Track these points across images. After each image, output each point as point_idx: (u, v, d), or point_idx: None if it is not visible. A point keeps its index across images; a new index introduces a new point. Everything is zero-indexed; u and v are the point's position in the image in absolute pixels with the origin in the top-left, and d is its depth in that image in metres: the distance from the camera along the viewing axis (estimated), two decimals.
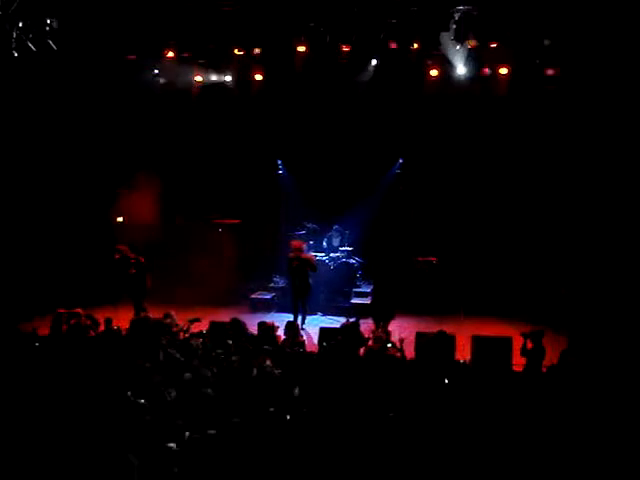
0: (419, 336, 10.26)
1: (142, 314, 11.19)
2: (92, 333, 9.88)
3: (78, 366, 7.86)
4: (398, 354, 8.73)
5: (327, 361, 8.33)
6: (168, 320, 9.95)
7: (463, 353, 10.09)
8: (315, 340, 10.80)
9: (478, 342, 10.24)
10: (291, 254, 12.99)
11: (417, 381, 7.62)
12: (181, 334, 9.54)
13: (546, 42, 11.74)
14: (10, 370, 7.67)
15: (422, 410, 6.66)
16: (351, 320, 10.07)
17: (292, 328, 9.85)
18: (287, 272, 13.43)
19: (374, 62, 13.59)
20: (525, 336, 9.18)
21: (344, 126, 15.49)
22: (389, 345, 8.95)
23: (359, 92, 14.40)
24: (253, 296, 14.52)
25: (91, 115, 14.82)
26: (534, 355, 9.03)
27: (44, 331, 10.02)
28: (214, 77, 14.75)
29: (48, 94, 14.04)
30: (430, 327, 11.97)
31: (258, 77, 14.26)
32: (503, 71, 12.91)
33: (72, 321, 9.89)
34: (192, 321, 9.80)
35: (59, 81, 13.85)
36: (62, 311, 10.56)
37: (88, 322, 10.01)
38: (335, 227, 15.26)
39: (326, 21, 12.11)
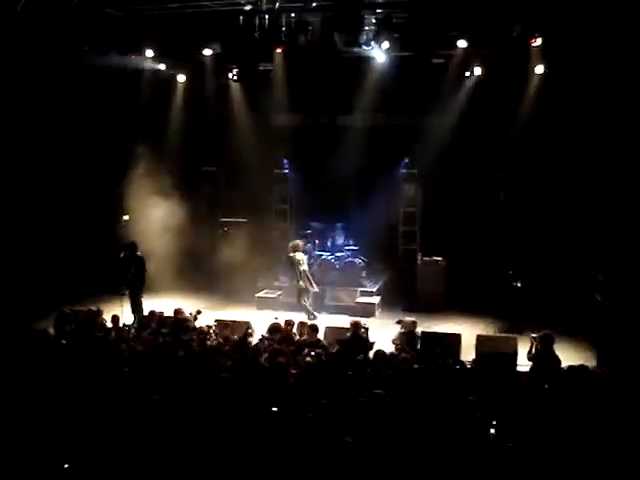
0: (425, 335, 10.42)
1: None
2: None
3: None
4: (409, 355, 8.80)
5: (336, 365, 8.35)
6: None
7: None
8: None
9: (482, 341, 10.40)
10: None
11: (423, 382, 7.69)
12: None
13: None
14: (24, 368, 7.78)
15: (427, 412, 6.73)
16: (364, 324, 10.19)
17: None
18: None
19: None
20: (533, 339, 9.18)
21: (347, 125, 15.61)
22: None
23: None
24: (259, 294, 14.60)
25: (99, 113, 14.89)
26: (541, 359, 9.03)
27: None
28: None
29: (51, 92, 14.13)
30: (432, 326, 12.12)
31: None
32: None
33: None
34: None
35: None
36: (67, 310, 10.73)
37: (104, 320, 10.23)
38: (339, 226, 15.33)
39: None
